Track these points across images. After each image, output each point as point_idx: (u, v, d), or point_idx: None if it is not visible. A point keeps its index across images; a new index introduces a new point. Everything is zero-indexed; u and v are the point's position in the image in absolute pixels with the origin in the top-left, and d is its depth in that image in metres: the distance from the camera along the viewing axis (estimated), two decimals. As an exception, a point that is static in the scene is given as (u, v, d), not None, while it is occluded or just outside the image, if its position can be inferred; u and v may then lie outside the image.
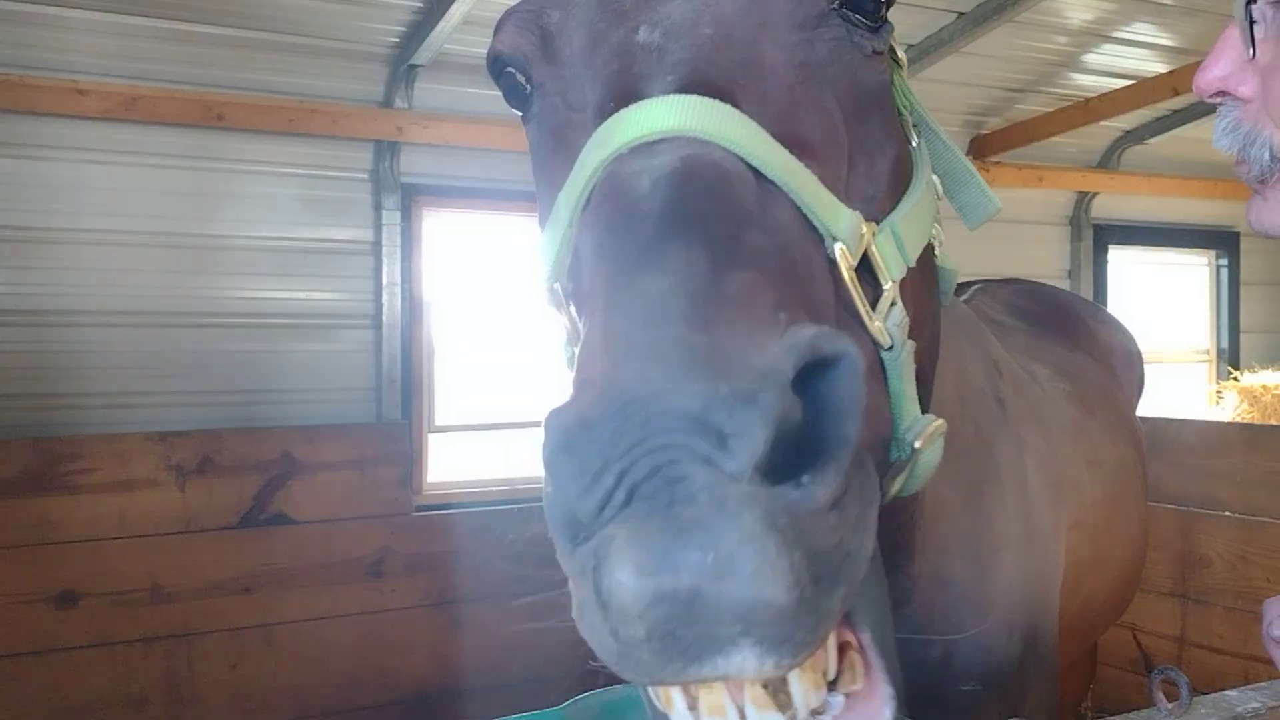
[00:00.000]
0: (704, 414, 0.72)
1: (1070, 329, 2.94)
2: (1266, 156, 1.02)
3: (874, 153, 1.14)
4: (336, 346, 5.78)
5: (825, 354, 0.79)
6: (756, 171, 0.96)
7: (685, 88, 1.00)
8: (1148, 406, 9.07)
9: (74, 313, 5.19)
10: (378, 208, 5.79)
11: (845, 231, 1.00)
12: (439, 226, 6.25)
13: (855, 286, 1.00)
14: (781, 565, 0.70)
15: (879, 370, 1.05)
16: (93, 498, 4.85)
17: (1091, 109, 6.97)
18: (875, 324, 1.02)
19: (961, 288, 3.37)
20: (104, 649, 4.85)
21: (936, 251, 1.35)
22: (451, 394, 7.80)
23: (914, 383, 1.08)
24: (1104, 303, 8.63)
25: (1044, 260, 8.25)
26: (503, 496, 6.12)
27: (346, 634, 5.37)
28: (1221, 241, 9.49)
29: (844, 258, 0.99)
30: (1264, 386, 8.52)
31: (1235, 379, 8.93)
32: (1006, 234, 7.93)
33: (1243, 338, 9.58)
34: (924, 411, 1.29)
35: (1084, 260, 8.52)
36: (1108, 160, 8.32)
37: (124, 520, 4.91)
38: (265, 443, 5.21)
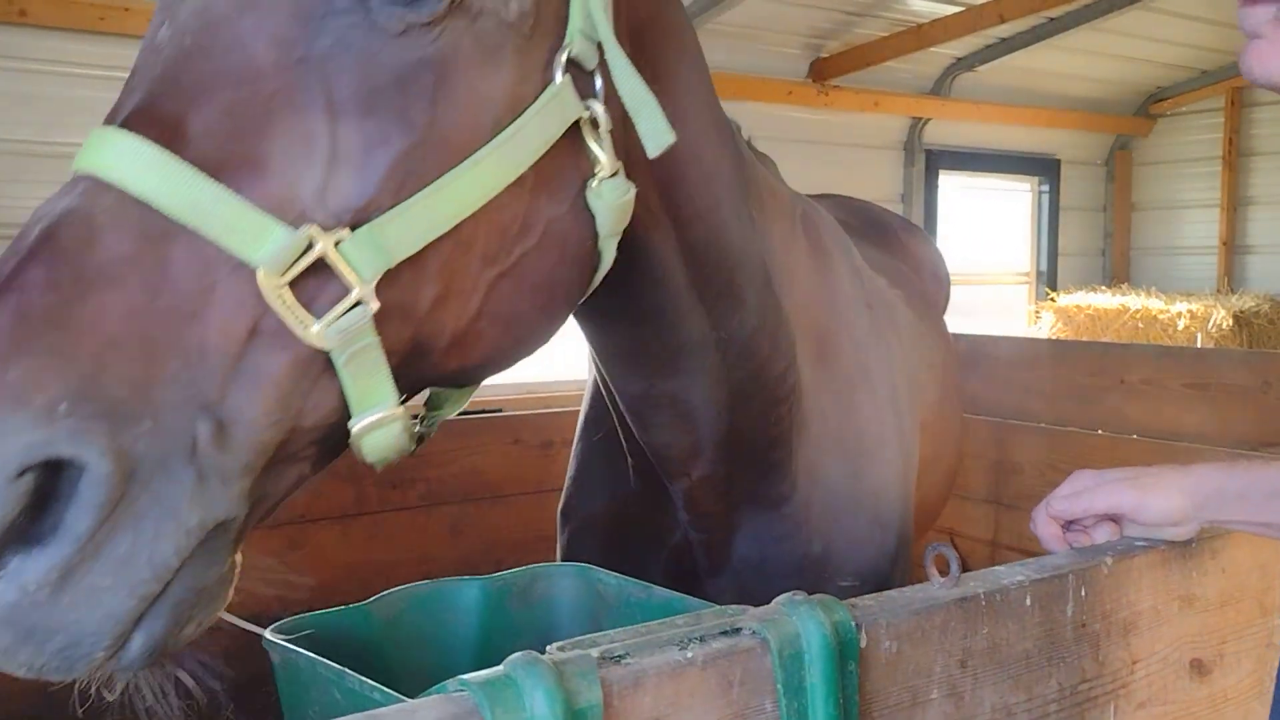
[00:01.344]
0: None
1: (885, 241, 3.05)
2: None
3: (373, 148, 1.08)
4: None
5: (66, 458, 0.93)
6: (157, 211, 1.00)
7: (133, 118, 1.04)
8: (971, 325, 9.53)
9: None
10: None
11: (267, 254, 1.01)
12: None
13: (284, 302, 1.02)
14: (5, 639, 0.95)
15: (320, 367, 1.07)
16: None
17: (924, 34, 7.15)
18: (313, 330, 1.04)
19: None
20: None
21: (594, 186, 1.29)
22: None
23: (377, 374, 1.10)
24: (934, 226, 8.97)
25: (878, 184, 8.49)
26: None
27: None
28: (1044, 169, 9.94)
29: (267, 279, 1.01)
30: (1077, 306, 9.04)
31: (1052, 299, 9.44)
32: (843, 158, 8.12)
33: (1060, 260, 10.11)
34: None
35: (916, 185, 8.81)
36: (940, 87, 8.57)
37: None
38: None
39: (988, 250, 10.24)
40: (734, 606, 1.15)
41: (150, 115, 1.03)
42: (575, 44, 1.25)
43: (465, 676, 0.91)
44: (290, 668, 1.22)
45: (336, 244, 1.05)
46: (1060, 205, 10.06)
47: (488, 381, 1.37)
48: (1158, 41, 8.56)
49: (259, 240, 1.01)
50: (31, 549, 0.93)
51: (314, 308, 1.04)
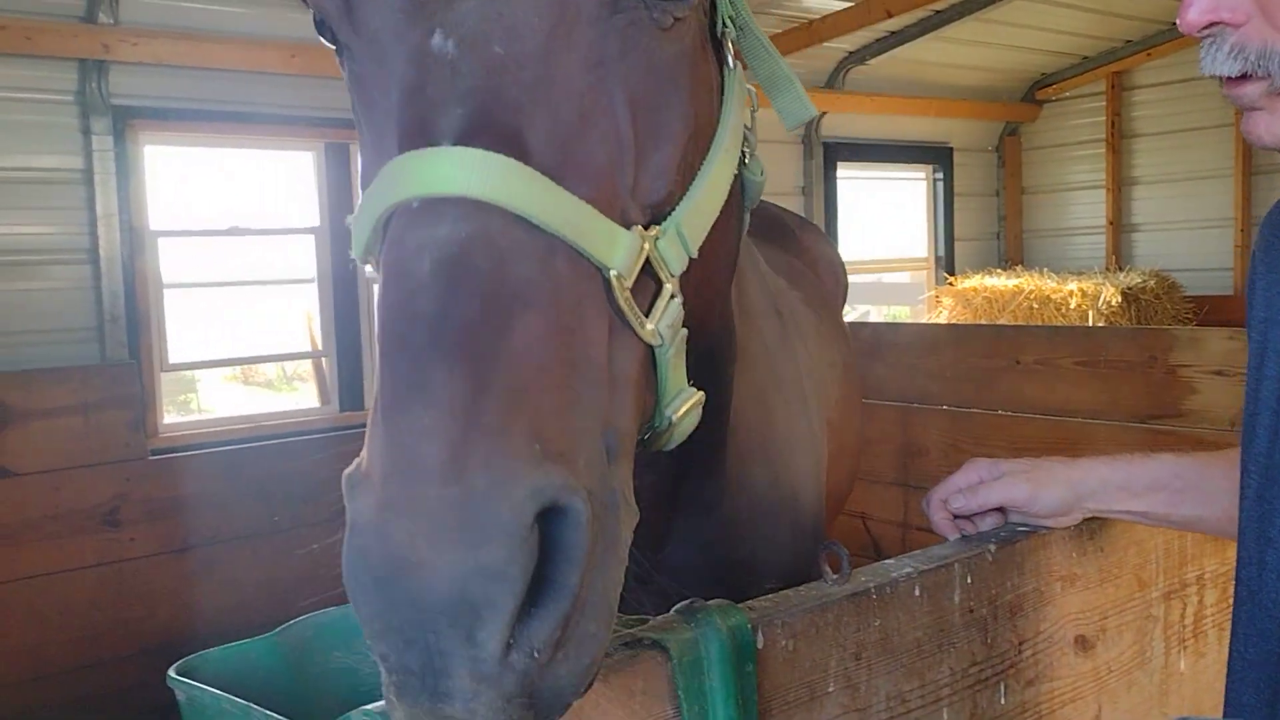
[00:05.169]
0: (461, 594, 0.81)
1: (783, 240, 3.10)
2: None
3: (665, 142, 1.10)
4: (49, 284, 5.36)
5: (559, 505, 0.85)
6: (537, 227, 0.95)
7: (474, 133, 0.95)
8: (875, 313, 9.66)
9: None
10: (86, 132, 5.36)
11: (621, 259, 1.01)
12: (160, 152, 5.88)
13: (629, 304, 1.02)
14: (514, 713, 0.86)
15: (649, 364, 1.08)
16: None
17: (814, 30, 7.28)
18: (648, 328, 1.05)
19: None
20: None
21: (746, 161, 1.36)
22: (186, 330, 7.39)
23: (682, 362, 1.13)
24: (835, 217, 9.14)
25: (781, 178, 8.61)
26: (247, 435, 5.92)
27: (83, 587, 5.10)
28: (938, 157, 10.19)
29: (618, 284, 1.01)
30: (974, 289, 9.29)
31: (951, 284, 9.69)
32: (743, 152, 8.22)
33: (957, 245, 10.37)
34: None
35: (816, 177, 8.96)
36: (834, 81, 8.73)
37: None
38: (-27, 391, 4.81)
39: (888, 239, 10.46)
40: (635, 616, 1.19)
41: (493, 130, 0.96)
42: (730, 29, 1.27)
43: (369, 707, 0.93)
44: (196, 705, 1.22)
45: (655, 242, 1.06)
46: (955, 192, 10.31)
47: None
48: (1040, 30, 8.83)
49: (613, 248, 1.00)
50: (532, 611, 0.85)
51: (642, 306, 1.04)
